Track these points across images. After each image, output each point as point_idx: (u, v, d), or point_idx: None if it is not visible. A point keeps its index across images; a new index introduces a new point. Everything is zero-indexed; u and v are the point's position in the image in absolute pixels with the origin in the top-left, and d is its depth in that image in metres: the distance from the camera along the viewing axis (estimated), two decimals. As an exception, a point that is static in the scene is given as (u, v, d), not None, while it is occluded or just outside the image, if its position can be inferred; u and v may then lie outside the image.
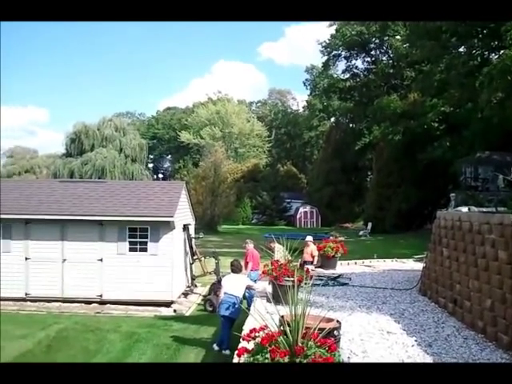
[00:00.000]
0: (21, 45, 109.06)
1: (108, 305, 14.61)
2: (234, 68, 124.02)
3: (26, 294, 14.86)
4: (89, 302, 14.72)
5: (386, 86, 49.32)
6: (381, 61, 51.38)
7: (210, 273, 16.11)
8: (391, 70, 49.93)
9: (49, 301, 14.75)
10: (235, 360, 5.10)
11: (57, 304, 14.66)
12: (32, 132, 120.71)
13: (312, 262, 13.69)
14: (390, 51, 49.59)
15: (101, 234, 14.88)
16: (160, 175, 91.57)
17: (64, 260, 14.85)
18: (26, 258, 14.88)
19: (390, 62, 50.64)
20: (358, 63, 52.56)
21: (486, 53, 29.65)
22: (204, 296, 15.72)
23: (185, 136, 70.88)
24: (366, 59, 52.03)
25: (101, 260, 14.80)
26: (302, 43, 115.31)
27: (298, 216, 54.65)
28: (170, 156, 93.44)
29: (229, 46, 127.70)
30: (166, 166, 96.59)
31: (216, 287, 14.36)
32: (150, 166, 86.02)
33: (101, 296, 14.78)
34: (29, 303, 14.70)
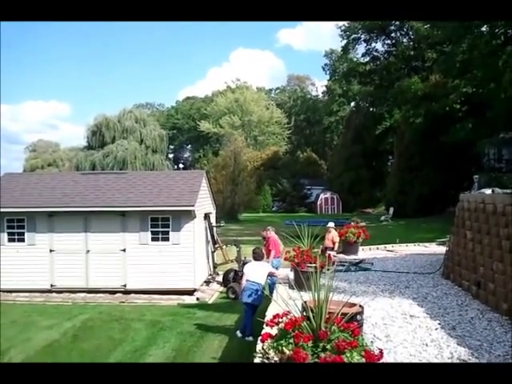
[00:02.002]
0: (41, 40, 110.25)
1: (132, 294, 14.78)
2: (252, 55, 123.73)
3: (52, 286, 15.10)
4: (113, 292, 14.91)
5: (407, 69, 48.63)
6: (401, 43, 50.61)
7: (232, 261, 16.20)
8: (412, 52, 49.15)
9: (74, 291, 14.97)
10: (259, 345, 5.12)
11: (82, 294, 14.87)
12: (54, 126, 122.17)
13: (333, 248, 13.66)
14: (410, 33, 48.79)
15: (123, 225, 15.01)
16: (180, 165, 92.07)
17: (88, 251, 15.04)
18: (51, 250, 15.10)
19: (411, 43, 49.83)
20: (378, 46, 51.84)
21: (510, 31, 28.95)
22: (222, 285, 15.84)
23: (204, 125, 71.07)
24: (386, 42, 51.24)
25: (124, 250, 14.95)
26: (320, 28, 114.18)
27: (318, 202, 54.49)
28: (189, 146, 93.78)
29: (246, 34, 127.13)
30: (186, 155, 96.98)
31: (237, 275, 14.47)
32: (171, 156, 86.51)
33: (125, 286, 14.95)
34: (54, 294, 14.93)
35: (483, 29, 29.97)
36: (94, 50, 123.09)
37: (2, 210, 15.03)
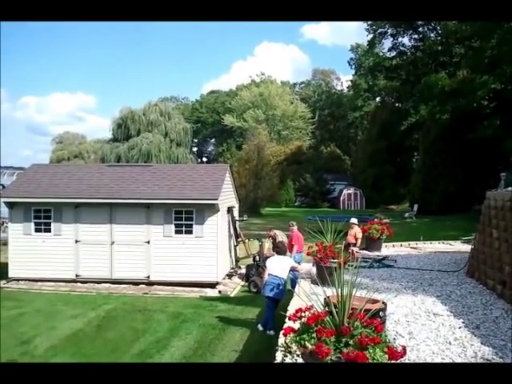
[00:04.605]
0: (68, 33, 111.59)
1: (155, 286, 14.94)
2: (277, 49, 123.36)
3: (77, 276, 15.35)
4: (137, 283, 15.09)
5: (434, 64, 47.83)
6: (428, 37, 49.78)
7: (254, 255, 16.25)
8: (439, 47, 48.31)
9: (98, 282, 15.19)
10: (281, 339, 5.15)
11: (106, 285, 15.08)
12: (80, 118, 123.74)
13: (355, 245, 13.60)
14: (438, 27, 47.92)
15: (148, 217, 15.16)
16: (204, 159, 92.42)
17: (112, 242, 15.24)
18: (76, 241, 15.34)
19: (439, 38, 48.97)
20: (405, 41, 51.02)
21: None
22: (244, 278, 15.88)
23: (228, 119, 71.22)
24: (413, 36, 50.42)
25: (148, 242, 15.10)
26: (345, 23, 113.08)
27: (341, 198, 54.19)
28: (213, 139, 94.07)
29: (271, 28, 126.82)
30: (209, 149, 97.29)
31: (259, 268, 14.52)
32: (195, 149, 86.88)
33: (148, 277, 15.12)
34: (79, 284, 15.18)
35: (513, 23, 29.37)
36: (121, 44, 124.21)
37: (30, 200, 15.33)
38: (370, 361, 4.09)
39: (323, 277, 7.74)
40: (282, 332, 5.05)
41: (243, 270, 16.47)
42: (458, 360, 5.43)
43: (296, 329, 4.81)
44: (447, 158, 36.99)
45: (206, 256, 14.77)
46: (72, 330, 10.78)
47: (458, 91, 35.43)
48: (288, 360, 4.82)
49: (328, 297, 5.09)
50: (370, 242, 14.20)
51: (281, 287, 9.62)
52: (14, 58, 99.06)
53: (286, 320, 5.44)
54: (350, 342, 4.32)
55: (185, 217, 14.99)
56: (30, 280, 15.29)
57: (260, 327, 10.14)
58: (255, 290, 14.09)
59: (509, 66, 29.54)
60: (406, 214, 36.40)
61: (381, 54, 55.35)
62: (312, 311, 4.86)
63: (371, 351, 4.15)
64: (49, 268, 15.23)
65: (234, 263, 17.16)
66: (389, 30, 49.89)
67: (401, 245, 15.88)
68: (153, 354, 9.25)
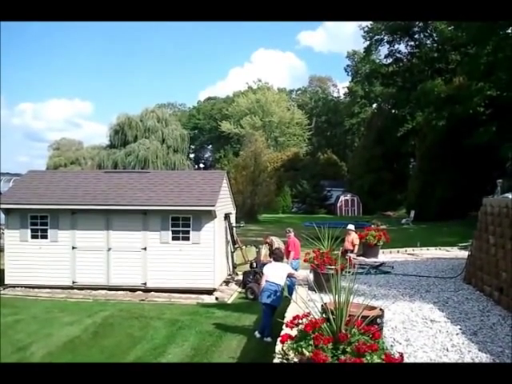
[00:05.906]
0: (66, 39, 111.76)
1: (152, 292, 14.89)
2: (274, 56, 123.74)
3: (73, 282, 15.29)
4: (133, 290, 15.04)
5: (430, 71, 48.08)
6: (425, 44, 50.10)
7: (251, 261, 16.22)
8: (435, 54, 48.58)
9: (95, 289, 15.14)
10: (278, 346, 5.13)
11: (103, 292, 15.02)
12: (77, 124, 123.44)
13: (353, 251, 13.60)
14: (434, 34, 48.22)
15: (144, 224, 15.13)
16: (201, 165, 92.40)
17: (109, 249, 15.19)
18: (73, 247, 15.29)
19: (435, 45, 49.26)
20: (401, 47, 51.45)
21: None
22: (241, 285, 15.85)
23: (225, 126, 71.35)
24: (410, 43, 50.80)
25: (145, 249, 15.07)
26: (341, 30, 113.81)
27: (338, 204, 54.25)
28: (210, 146, 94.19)
29: (267, 35, 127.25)
30: (206, 155, 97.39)
31: (256, 275, 14.49)
32: (192, 156, 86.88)
33: (145, 284, 15.07)
34: (76, 291, 15.10)
35: (508, 31, 29.55)
36: (118, 50, 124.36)
37: (26, 206, 15.29)
38: (368, 368, 4.08)
39: (320, 283, 7.73)
40: (279, 339, 5.04)
41: (240, 277, 16.43)
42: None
43: (293, 336, 4.80)
44: (444, 164, 37.06)
45: (203, 262, 14.74)
46: (68, 337, 10.71)
47: (454, 98, 35.61)
48: (285, 367, 4.80)
49: (325, 304, 5.08)
50: (367, 249, 14.22)
51: (278, 294, 9.59)
52: (11, 64, 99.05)
53: (284, 327, 5.43)
54: (348, 349, 4.32)
55: (182, 223, 14.97)
56: (26, 287, 15.22)
57: (257, 334, 10.10)
58: (252, 297, 14.05)
59: (504, 72, 29.69)
60: (403, 221, 36.42)
61: (377, 60, 55.62)
62: (309, 318, 4.86)
63: (368, 358, 4.15)
64: (45, 274, 15.16)
65: (231, 270, 17.12)
66: (385, 37, 50.20)
67: (398, 251, 15.90)
68: (149, 361, 9.20)
